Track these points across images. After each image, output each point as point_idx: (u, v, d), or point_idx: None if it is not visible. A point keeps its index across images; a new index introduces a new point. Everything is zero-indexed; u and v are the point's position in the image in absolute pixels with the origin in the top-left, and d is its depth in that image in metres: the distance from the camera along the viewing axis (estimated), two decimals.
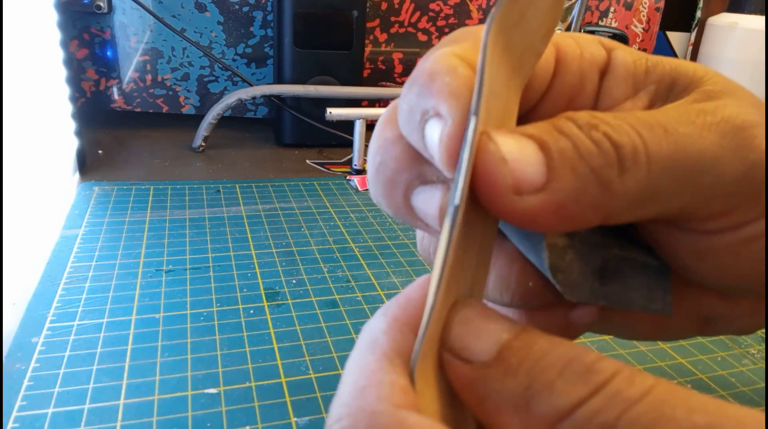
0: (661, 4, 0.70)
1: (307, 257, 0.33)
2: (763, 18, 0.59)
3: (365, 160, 0.43)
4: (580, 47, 0.14)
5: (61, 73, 0.42)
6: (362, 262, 0.33)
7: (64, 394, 0.21)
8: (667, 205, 0.12)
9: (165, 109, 0.56)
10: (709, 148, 0.12)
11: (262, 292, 0.29)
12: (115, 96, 0.54)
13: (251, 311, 0.27)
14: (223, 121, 0.52)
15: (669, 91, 0.14)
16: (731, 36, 0.60)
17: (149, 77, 0.54)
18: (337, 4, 0.51)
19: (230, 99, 0.50)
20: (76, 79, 0.52)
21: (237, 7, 0.54)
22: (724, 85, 0.13)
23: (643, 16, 0.70)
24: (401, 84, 0.62)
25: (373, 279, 0.31)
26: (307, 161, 0.51)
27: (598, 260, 0.14)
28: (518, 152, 0.11)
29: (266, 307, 0.28)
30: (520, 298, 0.14)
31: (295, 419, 0.21)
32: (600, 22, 0.68)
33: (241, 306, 0.28)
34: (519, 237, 0.14)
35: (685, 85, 0.14)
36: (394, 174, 0.13)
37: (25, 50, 0.36)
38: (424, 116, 0.12)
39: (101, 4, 0.51)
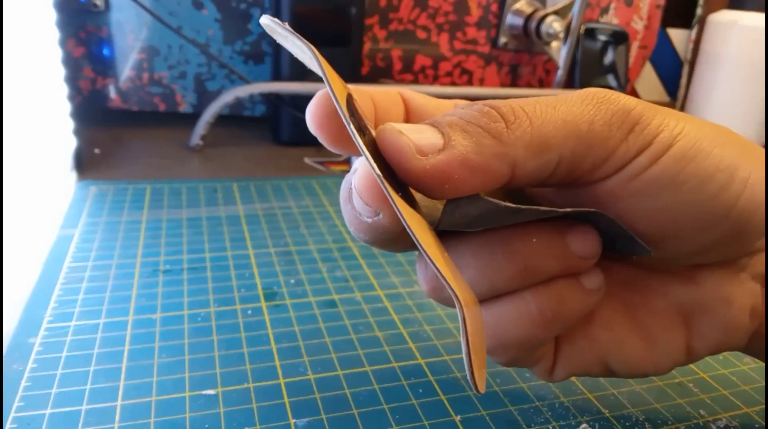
0: (662, 1, 0.69)
1: (305, 257, 0.33)
2: (763, 15, 0.59)
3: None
4: (423, 97, 0.18)
5: (60, 72, 0.42)
6: (361, 261, 0.33)
7: (62, 395, 0.21)
8: (561, 152, 0.14)
9: (162, 107, 0.56)
10: (575, 105, 0.15)
11: (260, 292, 0.29)
12: (112, 94, 0.54)
13: (249, 312, 0.27)
14: (220, 120, 0.52)
15: None
16: (732, 33, 0.60)
17: (146, 75, 0.54)
18: (335, 1, 0.50)
19: (228, 97, 0.49)
20: (72, 77, 0.52)
21: (234, 4, 0.54)
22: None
23: (644, 12, 0.69)
24: (400, 81, 0.62)
25: (372, 279, 0.31)
26: (305, 160, 0.51)
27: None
28: (412, 128, 0.14)
29: (264, 308, 0.28)
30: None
31: (293, 420, 0.21)
32: (600, 19, 0.67)
33: (239, 306, 0.28)
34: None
35: None
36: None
37: (23, 49, 0.36)
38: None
39: (98, 2, 0.50)
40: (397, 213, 0.13)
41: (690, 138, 0.15)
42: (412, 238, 0.12)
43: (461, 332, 0.12)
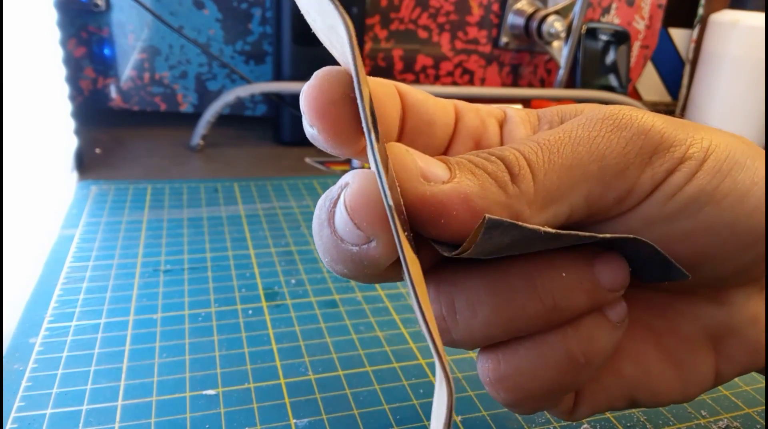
0: (663, 1, 0.69)
1: (306, 257, 0.33)
2: (764, 15, 0.59)
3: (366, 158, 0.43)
4: (475, 105, 0.17)
5: (61, 71, 0.42)
6: None
7: (63, 395, 0.21)
8: (571, 202, 0.13)
9: (163, 107, 0.56)
10: (581, 144, 0.14)
11: (261, 292, 0.29)
12: (113, 94, 0.54)
13: (250, 312, 0.27)
14: (221, 120, 0.52)
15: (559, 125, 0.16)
16: (733, 33, 0.60)
17: (147, 75, 0.54)
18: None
19: (229, 97, 0.49)
20: (73, 77, 0.52)
21: (235, 3, 0.54)
22: (597, 108, 0.15)
23: (645, 12, 0.69)
24: (401, 81, 0.62)
25: None
26: (306, 160, 0.51)
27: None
28: (418, 153, 0.13)
29: (265, 308, 0.28)
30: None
31: (294, 421, 0.21)
32: (602, 19, 0.67)
33: (239, 306, 0.28)
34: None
35: (570, 118, 0.16)
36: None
37: (24, 49, 0.36)
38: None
39: (99, 2, 0.50)
40: (399, 249, 0.11)
41: (722, 149, 0.14)
42: (410, 289, 0.11)
43: (444, 420, 0.10)
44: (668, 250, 0.14)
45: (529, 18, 0.61)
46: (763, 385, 0.24)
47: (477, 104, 0.17)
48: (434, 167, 0.13)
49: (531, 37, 0.61)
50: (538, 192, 0.13)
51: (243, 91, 0.50)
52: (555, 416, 0.18)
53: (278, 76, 0.53)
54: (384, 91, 0.15)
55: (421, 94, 0.16)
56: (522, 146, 0.14)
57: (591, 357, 0.14)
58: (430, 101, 0.16)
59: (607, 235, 0.14)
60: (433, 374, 0.23)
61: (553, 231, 0.13)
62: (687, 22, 0.76)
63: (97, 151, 0.48)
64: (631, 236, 0.14)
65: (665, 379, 0.16)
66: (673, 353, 0.17)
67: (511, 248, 0.14)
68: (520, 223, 0.13)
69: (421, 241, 0.14)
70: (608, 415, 0.22)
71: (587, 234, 0.14)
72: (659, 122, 0.14)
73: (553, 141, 0.14)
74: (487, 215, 0.12)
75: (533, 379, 0.15)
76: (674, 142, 0.14)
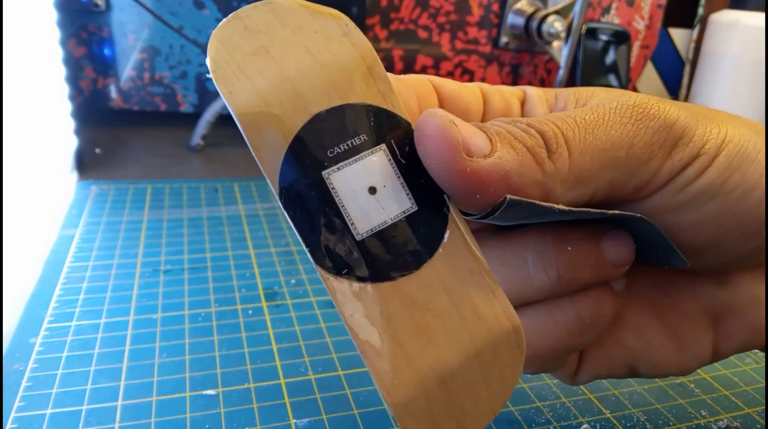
0: (663, 1, 0.69)
1: (306, 257, 0.33)
2: (764, 15, 0.59)
3: None
4: (498, 87, 0.17)
5: (61, 71, 0.42)
6: None
7: (63, 395, 0.21)
8: (597, 184, 0.14)
9: (163, 107, 0.56)
10: (613, 128, 0.14)
11: (261, 292, 0.29)
12: (113, 94, 0.54)
13: (250, 312, 0.27)
14: (221, 120, 0.52)
15: (574, 106, 0.17)
16: (733, 33, 0.60)
17: (147, 75, 0.54)
18: (335, 1, 0.50)
19: None
20: (73, 77, 0.52)
21: (236, 4, 0.54)
22: (615, 92, 0.16)
23: (645, 12, 0.69)
24: None
25: None
26: None
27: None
28: (462, 123, 0.13)
29: (265, 308, 0.28)
30: None
31: (294, 421, 0.21)
32: (602, 19, 0.67)
33: (239, 306, 0.28)
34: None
35: (585, 100, 0.16)
36: None
37: (24, 49, 0.36)
38: None
39: (99, 2, 0.50)
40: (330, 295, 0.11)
41: (734, 144, 0.14)
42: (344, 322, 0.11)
43: None
44: (674, 237, 0.15)
45: (529, 18, 0.61)
46: (763, 385, 0.24)
47: (499, 86, 0.17)
48: (476, 138, 0.13)
49: (531, 37, 0.61)
50: (572, 170, 0.13)
51: None
52: (559, 379, 0.19)
53: None
54: (420, 86, 0.15)
55: (454, 85, 0.16)
56: (559, 121, 0.14)
57: (596, 320, 0.15)
58: (463, 90, 0.16)
59: (617, 212, 0.14)
60: None
61: (567, 208, 0.14)
62: (687, 22, 0.76)
63: (97, 151, 0.48)
64: (638, 215, 0.15)
65: (665, 352, 0.17)
66: (674, 328, 0.17)
67: (527, 218, 0.14)
68: (537, 201, 0.13)
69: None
70: (608, 415, 0.22)
71: (598, 210, 0.14)
72: (683, 115, 0.14)
73: (589, 120, 0.14)
74: (508, 196, 0.13)
75: (542, 339, 0.15)
76: (693, 137, 0.14)
